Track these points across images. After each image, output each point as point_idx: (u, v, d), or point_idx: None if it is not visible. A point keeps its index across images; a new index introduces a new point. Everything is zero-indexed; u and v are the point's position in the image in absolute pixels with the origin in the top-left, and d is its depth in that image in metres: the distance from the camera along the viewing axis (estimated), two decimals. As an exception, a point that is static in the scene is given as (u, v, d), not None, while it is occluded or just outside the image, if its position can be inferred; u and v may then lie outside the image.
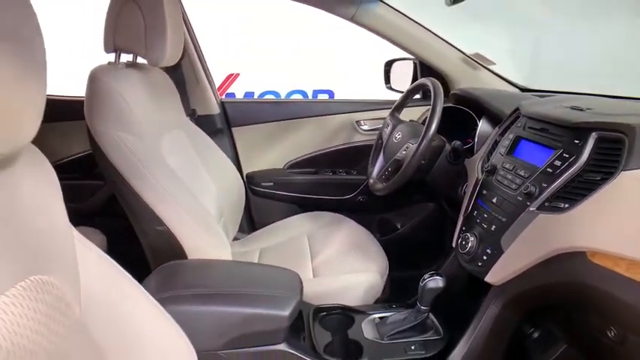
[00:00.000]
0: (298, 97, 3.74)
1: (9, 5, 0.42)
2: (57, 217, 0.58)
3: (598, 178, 0.73)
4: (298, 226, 1.49)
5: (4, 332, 0.40)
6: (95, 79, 1.01)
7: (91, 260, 0.61)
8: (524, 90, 1.57)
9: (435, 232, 1.63)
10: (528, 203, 0.82)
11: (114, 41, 1.09)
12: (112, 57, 1.11)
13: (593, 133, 0.78)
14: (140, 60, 1.14)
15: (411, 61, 1.71)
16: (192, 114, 1.62)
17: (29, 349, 0.42)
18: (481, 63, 1.54)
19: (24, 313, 0.44)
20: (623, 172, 0.69)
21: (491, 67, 1.56)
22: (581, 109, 0.88)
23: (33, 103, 0.47)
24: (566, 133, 0.84)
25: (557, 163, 0.81)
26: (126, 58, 1.14)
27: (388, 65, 1.78)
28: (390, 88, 1.79)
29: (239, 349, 0.85)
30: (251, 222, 1.74)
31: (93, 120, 0.99)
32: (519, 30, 2.55)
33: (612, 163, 0.72)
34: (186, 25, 1.54)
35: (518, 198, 0.85)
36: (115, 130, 0.98)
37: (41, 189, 0.57)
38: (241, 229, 1.62)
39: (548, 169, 0.82)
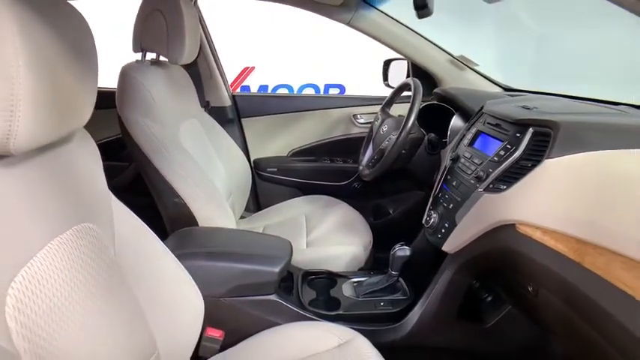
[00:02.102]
0: (310, 90, 3.87)
1: (73, 25, 0.62)
2: (100, 182, 0.78)
3: (529, 165, 0.89)
4: (298, 207, 1.68)
5: (65, 260, 0.60)
6: (125, 74, 1.21)
7: (124, 217, 0.82)
8: (507, 90, 1.72)
9: (422, 217, 1.80)
10: (477, 185, 0.99)
11: (141, 43, 1.29)
12: (138, 56, 1.32)
13: (530, 128, 0.94)
14: (162, 58, 1.34)
15: (406, 61, 1.87)
16: (206, 105, 1.82)
17: (80, 276, 0.62)
18: (466, 64, 1.69)
19: (77, 247, 0.64)
20: (546, 159, 0.85)
21: (476, 68, 1.71)
22: (529, 108, 1.04)
23: (88, 96, 0.67)
24: (512, 128, 1.00)
25: (502, 152, 0.98)
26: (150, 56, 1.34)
27: (386, 64, 1.94)
28: (388, 85, 1.95)
29: (237, 297, 1.05)
30: (257, 203, 1.94)
31: (123, 109, 1.19)
32: (517, 38, 2.66)
33: (541, 152, 0.88)
34: (202, 28, 1.74)
35: (471, 181, 1.02)
36: (141, 117, 1.18)
37: (89, 161, 0.77)
38: (248, 209, 1.82)
39: (495, 158, 0.99)
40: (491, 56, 2.52)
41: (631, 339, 0.60)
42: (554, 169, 0.84)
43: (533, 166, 0.88)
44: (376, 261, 1.48)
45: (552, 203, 0.82)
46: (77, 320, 0.60)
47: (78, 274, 0.63)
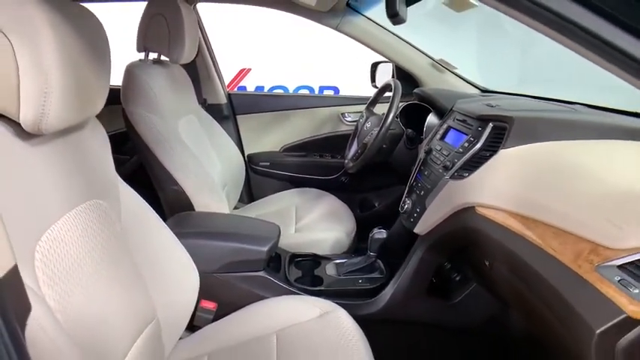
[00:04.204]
0: (305, 92, 3.96)
1: (91, 28, 0.74)
2: (109, 165, 0.90)
3: (487, 155, 1.01)
4: (289, 199, 1.80)
5: (79, 229, 0.72)
6: (130, 72, 1.33)
7: (130, 197, 0.93)
8: (484, 91, 1.84)
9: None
10: (445, 174, 1.11)
11: (144, 43, 1.41)
12: (142, 55, 1.44)
13: (490, 123, 1.06)
14: (163, 58, 1.46)
15: (391, 64, 1.99)
16: (203, 102, 1.94)
17: (91, 244, 0.73)
18: (445, 67, 1.82)
19: (89, 219, 0.75)
20: (501, 150, 0.98)
21: (455, 71, 1.84)
22: (492, 106, 1.16)
23: (102, 88, 0.78)
24: (475, 123, 1.13)
25: (466, 144, 1.10)
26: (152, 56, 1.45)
27: (374, 67, 2.06)
28: (375, 87, 2.07)
29: (229, 273, 1.16)
30: (250, 195, 2.06)
31: (128, 103, 1.31)
32: (500, 43, 2.79)
33: (498, 143, 1.00)
34: (200, 30, 1.86)
35: (440, 170, 1.15)
36: (145, 112, 1.30)
37: (101, 145, 0.89)
38: (242, 200, 1.94)
39: (460, 149, 1.12)
40: (478, 62, 2.65)
41: (559, 298, 0.72)
42: (507, 157, 0.96)
43: (491, 155, 1.00)
44: (361, 251, 1.59)
45: (504, 187, 0.94)
46: (89, 281, 0.71)
47: (90, 242, 0.74)
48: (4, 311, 0.40)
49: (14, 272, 0.43)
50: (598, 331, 0.58)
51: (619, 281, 0.58)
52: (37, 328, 0.55)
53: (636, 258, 0.60)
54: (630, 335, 0.55)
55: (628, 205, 0.67)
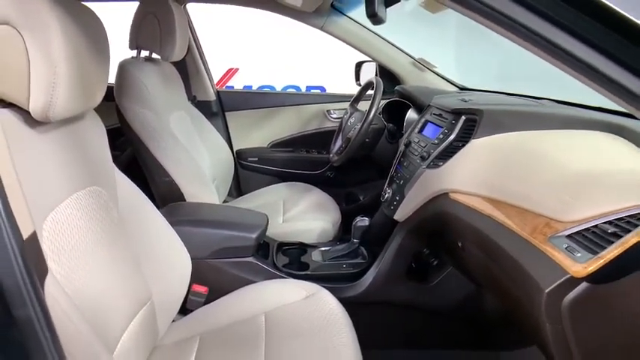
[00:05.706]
0: (292, 91, 4.02)
1: (93, 26, 0.80)
2: (107, 154, 0.96)
3: (460, 145, 1.10)
4: (276, 193, 1.86)
5: (81, 212, 0.78)
6: (124, 68, 1.38)
7: (126, 185, 0.99)
8: (462, 89, 1.93)
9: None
10: (422, 164, 1.19)
11: (136, 41, 1.46)
12: (134, 53, 1.49)
13: (463, 116, 1.15)
14: (154, 55, 1.52)
15: (374, 63, 2.07)
16: (193, 99, 2.00)
17: (91, 227, 0.79)
18: (425, 66, 1.91)
19: (89, 204, 0.81)
20: (472, 140, 1.06)
21: (435, 70, 1.93)
22: (465, 101, 1.25)
23: (102, 83, 0.84)
24: (449, 116, 1.21)
25: (441, 136, 1.19)
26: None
27: (358, 66, 2.14)
28: (359, 85, 2.15)
29: (220, 259, 1.22)
30: (239, 190, 2.12)
31: (121, 99, 1.36)
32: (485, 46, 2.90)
33: (469, 134, 1.09)
34: (190, 30, 1.92)
35: (417, 161, 1.23)
36: (137, 106, 1.35)
37: (99, 136, 0.95)
38: (230, 195, 1.99)
39: (435, 141, 1.20)
40: (457, 61, 2.75)
41: (517, 267, 0.80)
42: (477, 147, 1.05)
43: (463, 145, 1.08)
44: (346, 241, 1.66)
45: (474, 173, 1.02)
46: (90, 259, 0.77)
47: (90, 225, 0.80)
48: (28, 269, 0.46)
49: (34, 236, 0.49)
50: (547, 291, 0.66)
51: (566, 248, 0.67)
52: (50, 296, 0.61)
53: (582, 228, 0.68)
54: (573, 293, 0.64)
55: (577, 182, 0.76)
